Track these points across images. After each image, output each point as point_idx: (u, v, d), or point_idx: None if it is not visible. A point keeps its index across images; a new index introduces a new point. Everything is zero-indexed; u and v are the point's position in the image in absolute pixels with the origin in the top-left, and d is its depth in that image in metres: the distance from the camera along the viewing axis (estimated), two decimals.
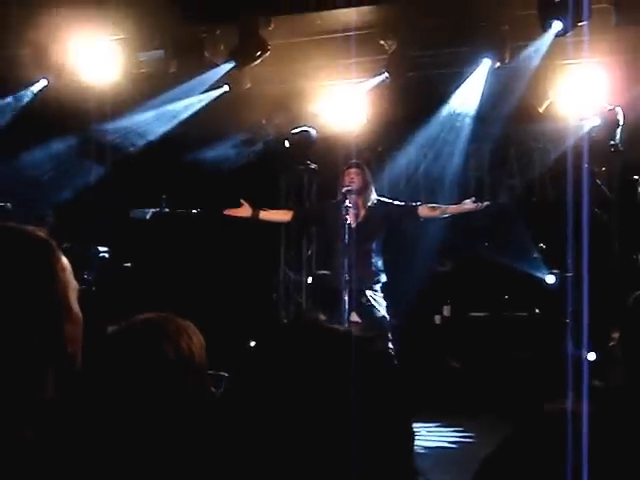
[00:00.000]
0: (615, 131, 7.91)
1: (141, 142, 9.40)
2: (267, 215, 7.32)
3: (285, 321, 8.99)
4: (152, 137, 9.30)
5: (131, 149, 9.50)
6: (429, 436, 6.68)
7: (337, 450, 1.04)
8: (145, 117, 9.13)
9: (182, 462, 1.66)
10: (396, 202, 7.08)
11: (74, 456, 1.57)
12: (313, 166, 9.58)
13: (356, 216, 6.88)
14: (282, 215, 7.58)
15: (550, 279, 8.43)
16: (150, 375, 1.72)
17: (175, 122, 9.19)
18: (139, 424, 1.68)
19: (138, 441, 1.67)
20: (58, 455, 1.52)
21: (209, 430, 1.67)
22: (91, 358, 1.67)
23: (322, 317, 6.32)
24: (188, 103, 9.06)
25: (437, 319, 9.02)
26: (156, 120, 9.17)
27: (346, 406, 1.04)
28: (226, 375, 3.88)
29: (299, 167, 9.65)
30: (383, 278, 6.96)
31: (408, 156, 9.57)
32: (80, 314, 1.58)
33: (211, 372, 2.29)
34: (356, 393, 1.05)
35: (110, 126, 9.30)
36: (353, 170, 7.00)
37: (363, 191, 6.97)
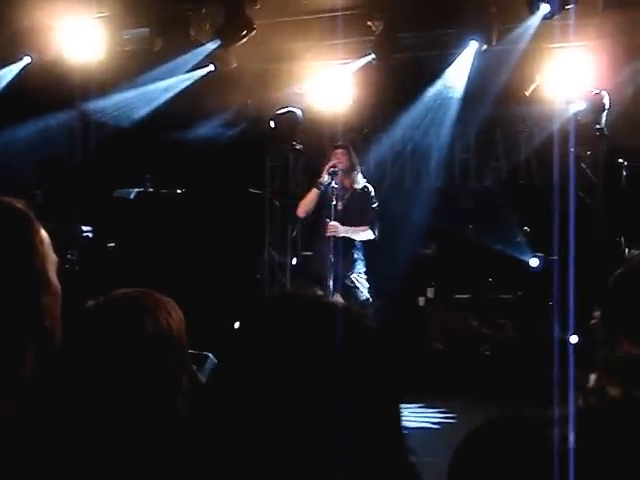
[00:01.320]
0: (601, 115, 7.92)
1: (126, 121, 9.33)
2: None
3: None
4: (137, 116, 9.24)
5: (115, 128, 9.44)
6: (412, 417, 6.71)
7: (327, 427, 1.02)
8: (130, 96, 9.06)
9: (162, 436, 1.65)
10: (373, 204, 7.07)
11: (53, 432, 1.56)
12: (299, 147, 9.55)
13: (342, 197, 6.89)
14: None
15: (534, 262, 8.46)
16: (128, 348, 1.71)
17: (160, 101, 9.13)
18: (118, 398, 1.67)
19: (117, 416, 1.66)
20: (38, 431, 1.51)
21: (190, 405, 1.66)
22: (71, 331, 1.65)
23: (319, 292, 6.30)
24: (173, 82, 8.99)
25: (421, 301, 9.05)
26: (141, 99, 9.10)
27: (335, 379, 1.03)
28: (209, 355, 3.88)
29: (284, 147, 9.61)
30: (362, 259, 7.00)
31: (394, 137, 9.56)
32: (59, 287, 1.56)
33: (194, 352, 2.28)
34: (346, 366, 1.03)
35: (94, 104, 9.23)
36: (340, 151, 7.02)
37: (349, 172, 6.98)
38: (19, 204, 1.57)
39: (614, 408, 0.99)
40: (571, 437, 0.90)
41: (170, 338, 1.74)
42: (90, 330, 1.74)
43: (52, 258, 1.56)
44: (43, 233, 1.56)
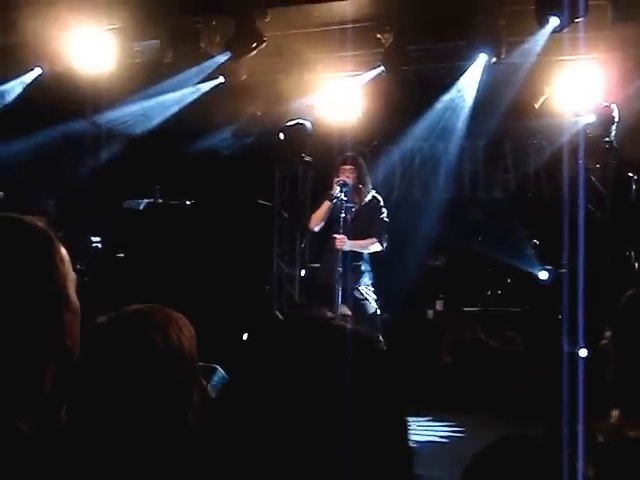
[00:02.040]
0: (610, 128, 7.90)
1: (135, 132, 9.37)
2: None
3: (278, 314, 8.96)
4: (147, 127, 9.28)
5: (125, 139, 9.47)
6: (420, 431, 6.68)
7: (335, 446, 1.03)
8: (140, 107, 9.10)
9: (173, 450, 1.65)
10: (382, 216, 7.04)
11: (69, 448, 1.56)
12: (308, 159, 9.56)
13: (350, 210, 6.87)
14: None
15: (543, 275, 8.43)
16: (140, 365, 1.71)
17: (170, 113, 9.16)
18: (130, 414, 1.67)
19: (130, 431, 1.66)
20: (54, 447, 1.51)
21: (200, 420, 1.66)
22: (82, 347, 1.66)
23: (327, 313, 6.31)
24: (183, 94, 9.03)
25: (430, 314, 9.02)
26: (151, 110, 9.15)
27: (342, 400, 1.04)
28: (217, 367, 3.88)
29: (294, 159, 9.62)
30: (369, 271, 6.97)
31: (403, 149, 9.56)
32: (78, 305, 1.57)
33: (202, 364, 2.28)
34: (353, 388, 1.04)
35: (105, 116, 9.27)
36: (348, 167, 6.95)
37: (357, 187, 6.96)
38: (40, 222, 1.58)
39: (633, 447, 0.99)
40: (580, 465, 0.90)
41: (181, 354, 1.74)
42: (101, 347, 1.74)
43: (72, 276, 1.57)
44: (63, 251, 1.57)
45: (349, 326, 1.13)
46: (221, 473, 1.07)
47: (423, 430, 6.75)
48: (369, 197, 7.05)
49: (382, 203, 7.08)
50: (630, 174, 7.74)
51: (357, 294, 6.88)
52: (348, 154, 7.15)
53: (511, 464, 1.02)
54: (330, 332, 1.11)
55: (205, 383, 1.88)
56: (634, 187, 7.68)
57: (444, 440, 6.64)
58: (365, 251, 6.95)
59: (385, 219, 7.03)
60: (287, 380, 1.05)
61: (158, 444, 1.66)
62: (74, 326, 1.54)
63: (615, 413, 1.00)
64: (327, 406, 1.03)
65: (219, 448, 1.08)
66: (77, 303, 1.56)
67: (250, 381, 1.08)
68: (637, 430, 0.97)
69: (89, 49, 8.25)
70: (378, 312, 6.95)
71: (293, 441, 1.03)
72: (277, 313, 9.01)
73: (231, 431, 1.07)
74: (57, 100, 8.50)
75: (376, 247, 6.95)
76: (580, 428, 0.93)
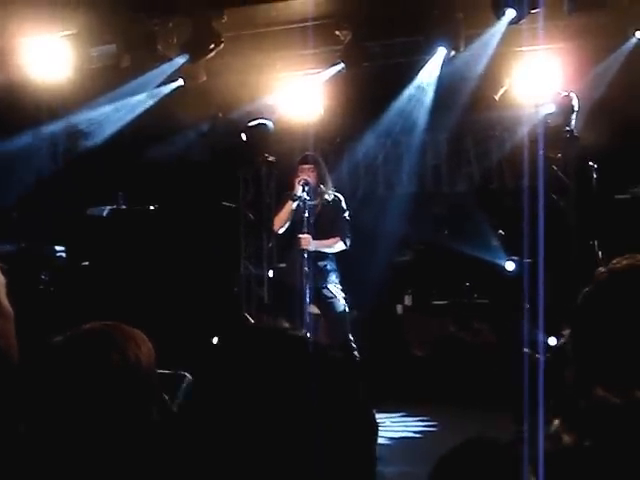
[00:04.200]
0: (570, 117, 7.95)
1: (95, 138, 9.26)
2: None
3: (247, 316, 8.92)
4: (107, 133, 9.17)
5: (85, 146, 9.36)
6: (393, 426, 6.69)
7: (297, 451, 1.05)
8: (99, 113, 8.99)
9: (132, 465, 1.63)
10: (344, 215, 7.02)
11: (21, 461, 1.54)
12: (271, 159, 9.53)
13: (313, 210, 6.85)
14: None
15: (510, 266, 8.47)
16: (95, 383, 1.70)
17: (130, 117, 9.07)
18: (88, 432, 1.65)
19: (85, 448, 1.64)
20: (12, 462, 1.49)
21: (159, 439, 1.64)
22: (37, 367, 1.64)
23: (284, 323, 6.35)
24: (143, 98, 8.95)
25: (399, 309, 9.04)
26: (110, 116, 9.04)
27: (303, 409, 1.06)
28: (185, 374, 3.83)
29: (257, 160, 9.59)
30: (336, 270, 6.96)
31: (366, 146, 9.56)
32: (10, 309, 1.56)
33: (170, 371, 2.25)
34: (314, 398, 1.06)
35: (63, 123, 9.15)
36: (307, 167, 6.93)
37: (318, 186, 6.93)
38: None
39: (567, 455, 1.00)
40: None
41: (138, 372, 1.73)
42: (57, 366, 1.72)
43: (1, 280, 1.55)
44: None
45: (308, 337, 1.18)
46: None
47: (396, 426, 6.76)
48: (330, 197, 7.03)
49: (344, 202, 7.07)
50: (590, 163, 7.80)
51: (326, 292, 6.88)
52: (307, 153, 7.14)
53: (473, 468, 1.01)
54: (290, 342, 1.14)
55: (166, 397, 1.87)
56: (595, 176, 7.74)
57: (418, 435, 6.65)
58: (330, 250, 6.94)
59: (347, 218, 7.03)
60: (252, 387, 1.07)
61: (116, 461, 1.64)
62: (6, 328, 1.53)
63: (556, 422, 0.99)
64: (290, 411, 1.05)
65: (184, 457, 1.08)
66: (8, 306, 1.55)
67: (217, 387, 1.10)
68: (573, 436, 0.96)
69: (45, 56, 8.14)
70: (347, 309, 6.96)
71: (258, 444, 1.04)
72: (246, 315, 8.97)
73: (198, 436, 1.07)
74: (13, 109, 8.38)
75: (340, 246, 6.94)
76: (540, 429, 0.92)
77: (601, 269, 1.50)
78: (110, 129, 9.13)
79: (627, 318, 1.41)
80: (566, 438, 0.99)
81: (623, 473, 0.98)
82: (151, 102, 8.99)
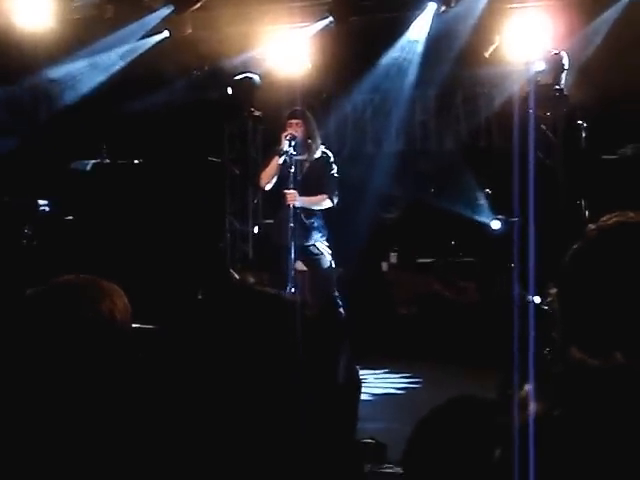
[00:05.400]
0: (560, 75, 7.90)
1: (79, 91, 9.11)
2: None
3: (232, 272, 8.89)
4: (90, 85, 9.02)
5: (68, 98, 9.22)
6: (377, 383, 6.72)
7: (279, 408, 1.05)
8: (82, 65, 8.84)
9: (104, 420, 1.62)
10: (332, 172, 6.93)
11: None
12: (257, 113, 9.42)
13: (300, 166, 6.77)
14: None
15: (495, 224, 8.47)
16: (67, 337, 1.68)
17: (114, 69, 8.93)
18: (54, 387, 1.63)
19: (54, 404, 1.62)
20: None
21: (132, 395, 1.62)
22: (10, 319, 1.62)
23: (251, 280, 6.36)
24: (127, 49, 8.79)
25: (384, 266, 9.05)
26: (94, 68, 8.90)
27: (286, 366, 1.07)
28: (166, 328, 3.81)
29: (243, 114, 9.48)
30: (323, 227, 6.92)
31: (354, 101, 9.47)
32: None
33: (139, 325, 2.23)
34: (297, 355, 1.06)
35: (46, 74, 9.00)
36: (295, 122, 6.81)
37: (306, 142, 6.84)
38: None
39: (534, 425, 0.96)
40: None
41: (112, 326, 1.71)
42: (27, 317, 1.71)
43: None
44: None
45: (285, 297, 1.18)
46: (159, 438, 1.07)
47: (380, 382, 6.80)
48: (318, 153, 6.94)
49: (332, 159, 6.98)
50: (579, 122, 7.76)
51: (312, 249, 6.85)
52: (296, 108, 7.03)
53: (458, 426, 0.99)
54: (273, 302, 1.15)
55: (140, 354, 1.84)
56: (584, 135, 7.70)
57: (401, 392, 6.69)
58: (316, 207, 6.88)
59: (335, 175, 6.94)
60: (234, 343, 1.07)
61: (87, 416, 1.62)
62: None
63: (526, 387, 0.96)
64: (272, 368, 1.05)
65: (159, 409, 1.13)
66: None
67: (199, 341, 1.10)
68: (542, 404, 0.93)
69: (27, 6, 7.99)
70: (333, 266, 6.94)
71: (238, 400, 1.04)
72: (232, 271, 8.95)
73: (174, 388, 1.10)
74: None
75: (327, 203, 6.88)
76: (530, 388, 0.89)
77: (591, 226, 1.46)
78: (94, 81, 8.99)
79: (617, 276, 1.38)
80: (533, 406, 0.95)
81: (594, 447, 0.93)
82: (135, 54, 8.84)
